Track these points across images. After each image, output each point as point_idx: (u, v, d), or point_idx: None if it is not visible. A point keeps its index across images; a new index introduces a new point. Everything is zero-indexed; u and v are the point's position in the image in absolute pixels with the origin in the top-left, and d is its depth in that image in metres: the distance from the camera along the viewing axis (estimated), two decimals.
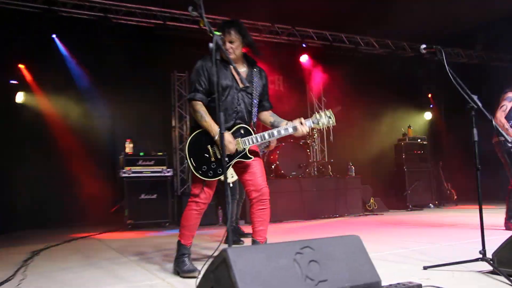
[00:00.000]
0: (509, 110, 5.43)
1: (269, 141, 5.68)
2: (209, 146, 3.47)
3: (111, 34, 8.41)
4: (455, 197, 11.53)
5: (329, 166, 10.39)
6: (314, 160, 10.54)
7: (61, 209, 8.94)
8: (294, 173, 9.02)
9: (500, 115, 5.39)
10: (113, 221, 8.54)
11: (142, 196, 8.31)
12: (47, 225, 8.65)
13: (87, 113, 9.31)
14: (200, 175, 3.46)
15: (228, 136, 3.43)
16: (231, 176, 5.26)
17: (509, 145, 5.01)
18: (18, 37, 8.08)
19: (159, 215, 8.41)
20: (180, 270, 3.54)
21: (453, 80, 3.35)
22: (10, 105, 8.76)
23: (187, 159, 3.50)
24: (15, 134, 8.57)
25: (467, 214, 8.29)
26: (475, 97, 3.36)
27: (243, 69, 3.68)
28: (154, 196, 8.39)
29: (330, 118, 3.60)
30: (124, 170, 8.22)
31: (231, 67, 3.54)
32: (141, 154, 8.48)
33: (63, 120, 9.09)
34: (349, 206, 9.34)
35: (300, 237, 5.60)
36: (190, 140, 3.52)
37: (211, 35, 2.76)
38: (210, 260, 2.86)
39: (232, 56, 3.53)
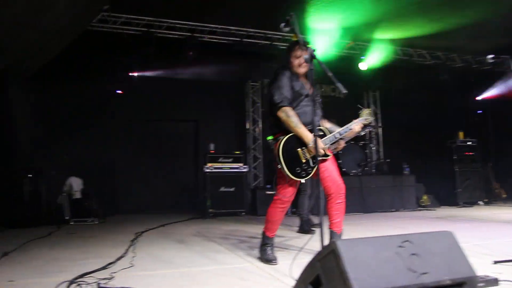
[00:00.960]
0: None
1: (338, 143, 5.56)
2: (299, 149, 3.44)
3: (197, 51, 8.60)
4: (504, 195, 10.85)
5: (385, 165, 10.16)
6: (372, 159, 10.30)
7: (155, 198, 9.34)
8: (354, 171, 8.90)
9: None
10: (196, 210, 8.77)
11: (222, 189, 8.45)
12: (143, 211, 9.03)
13: (176, 118, 9.69)
14: (295, 176, 3.41)
15: (320, 141, 3.42)
16: None
17: None
18: (123, 55, 8.55)
19: (236, 206, 8.51)
20: (263, 258, 3.56)
21: None
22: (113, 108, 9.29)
23: (280, 162, 3.38)
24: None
25: None
26: None
27: (304, 79, 3.68)
28: (232, 189, 8.51)
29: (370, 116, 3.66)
30: (207, 166, 8.40)
31: (302, 78, 3.62)
32: (222, 152, 8.66)
33: (163, 124, 9.56)
34: (404, 202, 9.06)
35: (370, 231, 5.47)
36: (283, 144, 3.42)
37: (304, 47, 2.73)
38: (298, 252, 2.84)
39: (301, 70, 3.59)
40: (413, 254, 1.67)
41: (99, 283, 2.60)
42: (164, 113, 9.68)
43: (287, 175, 3.39)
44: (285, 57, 3.67)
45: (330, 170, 3.59)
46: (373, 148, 11.03)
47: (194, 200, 9.33)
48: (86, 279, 2.82)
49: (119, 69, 8.93)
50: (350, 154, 8.88)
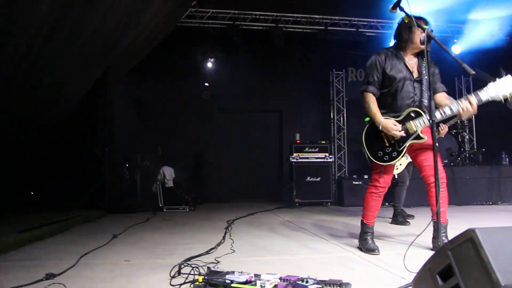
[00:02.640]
0: None
1: (440, 129, 5.26)
2: (382, 133, 3.34)
3: (281, 41, 8.61)
4: None
5: (480, 155, 9.45)
6: (465, 149, 9.65)
7: (242, 187, 9.58)
8: (446, 161, 8.41)
9: None
10: (282, 199, 8.84)
11: (308, 179, 8.42)
12: (230, 200, 9.31)
13: (261, 108, 9.81)
14: (377, 160, 3.36)
15: (389, 122, 3.26)
16: (400, 164, 5.01)
17: None
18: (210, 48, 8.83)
19: (322, 196, 8.44)
20: (363, 247, 3.46)
21: None
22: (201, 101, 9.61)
23: (364, 148, 3.41)
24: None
25: None
26: None
27: (414, 60, 3.46)
28: (318, 179, 8.45)
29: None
30: (293, 156, 8.42)
31: (408, 58, 3.42)
32: (308, 142, 8.61)
33: (249, 115, 9.76)
34: (502, 194, 8.38)
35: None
36: (366, 130, 3.44)
37: (420, 28, 2.58)
38: (409, 245, 2.70)
39: (422, 45, 3.19)
40: None
41: (209, 267, 2.70)
42: (249, 103, 9.85)
43: (369, 158, 3.38)
44: (397, 38, 3.46)
45: (429, 158, 3.35)
46: (466, 137, 10.32)
47: (280, 190, 9.41)
48: (195, 262, 2.95)
49: (205, 62, 9.24)
50: (441, 143, 8.40)
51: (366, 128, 3.45)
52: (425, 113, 3.28)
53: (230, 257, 3.30)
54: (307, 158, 8.48)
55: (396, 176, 5.25)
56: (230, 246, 3.79)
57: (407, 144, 3.30)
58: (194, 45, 8.88)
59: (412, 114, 3.32)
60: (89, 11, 5.01)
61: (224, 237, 4.28)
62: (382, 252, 3.35)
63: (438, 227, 2.77)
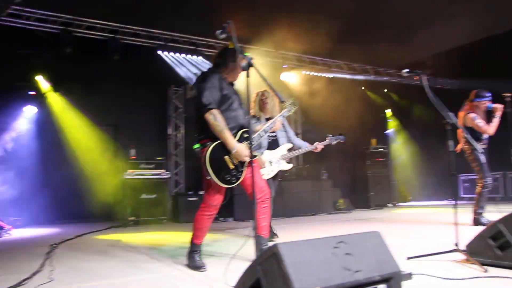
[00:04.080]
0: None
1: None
2: (226, 156, 3.36)
3: (119, 53, 8.29)
4: (410, 197, 11.88)
5: (305, 171, 10.60)
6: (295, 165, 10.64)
7: (82, 207, 8.75)
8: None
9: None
10: (116, 218, 8.42)
11: (143, 196, 8.20)
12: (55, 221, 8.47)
13: (94, 121, 9.15)
14: (226, 184, 3.36)
15: (244, 147, 3.38)
16: (272, 171, 5.13)
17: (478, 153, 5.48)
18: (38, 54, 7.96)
19: (157, 213, 8.30)
20: (191, 264, 3.49)
21: (433, 101, 3.45)
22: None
23: (208, 170, 3.30)
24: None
25: (424, 212, 8.52)
26: (451, 115, 3.48)
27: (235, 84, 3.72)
28: (154, 195, 8.29)
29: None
30: (127, 172, 8.12)
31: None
32: (143, 159, 8.41)
33: (75, 128, 8.95)
34: (321, 205, 9.46)
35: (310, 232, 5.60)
36: (210, 152, 3.32)
37: (242, 55, 2.75)
38: (230, 257, 2.84)
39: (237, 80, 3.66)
40: (347, 253, 1.78)
41: None
42: (83, 116, 9.12)
43: (218, 183, 3.34)
44: (221, 61, 3.59)
45: (255, 175, 3.58)
46: None
47: (113, 208, 8.92)
48: None
49: (30, 69, 8.28)
50: None
51: (208, 153, 3.32)
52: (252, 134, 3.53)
53: (48, 286, 2.99)
54: (143, 174, 8.27)
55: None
56: (49, 274, 3.43)
57: (247, 163, 3.46)
58: (19, 49, 7.89)
59: (245, 135, 3.49)
60: None
61: (42, 265, 3.86)
62: (211, 268, 3.43)
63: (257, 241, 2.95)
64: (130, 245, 5.18)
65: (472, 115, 5.58)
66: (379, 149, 11.13)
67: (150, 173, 8.35)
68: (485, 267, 2.88)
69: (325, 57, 11.05)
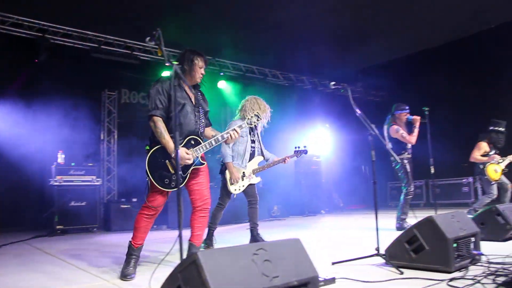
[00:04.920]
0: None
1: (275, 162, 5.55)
2: (167, 161, 3.42)
3: (49, 54, 7.90)
4: (342, 204, 12.31)
5: None
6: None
7: None
8: (212, 183, 9.08)
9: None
10: (43, 227, 7.96)
11: (72, 203, 7.84)
12: None
13: (19, 124, 8.60)
14: (162, 187, 3.40)
15: (184, 151, 3.41)
16: (243, 186, 5.05)
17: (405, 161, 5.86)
18: None
19: (88, 221, 7.97)
20: (121, 271, 3.42)
21: (357, 112, 3.64)
22: None
23: (147, 173, 3.40)
24: None
25: (354, 218, 8.88)
26: (373, 126, 3.69)
27: (193, 91, 3.71)
28: (84, 203, 7.96)
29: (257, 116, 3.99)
30: (55, 179, 7.73)
31: (187, 88, 3.63)
32: (73, 164, 8.03)
33: None
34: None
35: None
36: (150, 155, 3.43)
37: (168, 64, 2.74)
38: (157, 265, 2.82)
39: (199, 80, 3.67)
40: (266, 260, 1.84)
41: None
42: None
43: (155, 185, 3.39)
44: (180, 65, 3.61)
45: (201, 183, 3.64)
46: None
47: (40, 217, 8.43)
48: None
49: None
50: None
51: (148, 156, 3.43)
52: (202, 140, 3.60)
53: None
54: (72, 181, 7.91)
55: (234, 196, 5.17)
56: None
57: (191, 169, 3.50)
58: None
59: (192, 142, 3.54)
60: None
61: None
62: (141, 276, 3.36)
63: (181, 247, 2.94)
64: (56, 255, 4.93)
65: (395, 127, 5.96)
66: (314, 158, 11.47)
67: (79, 180, 8.01)
68: (402, 269, 3.07)
69: (261, 67, 11.25)
